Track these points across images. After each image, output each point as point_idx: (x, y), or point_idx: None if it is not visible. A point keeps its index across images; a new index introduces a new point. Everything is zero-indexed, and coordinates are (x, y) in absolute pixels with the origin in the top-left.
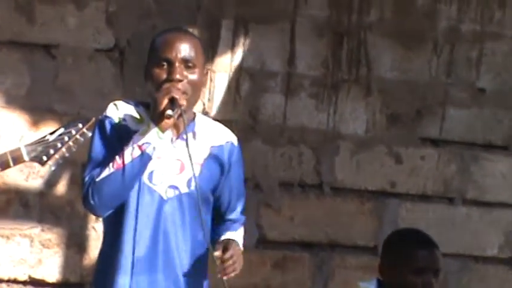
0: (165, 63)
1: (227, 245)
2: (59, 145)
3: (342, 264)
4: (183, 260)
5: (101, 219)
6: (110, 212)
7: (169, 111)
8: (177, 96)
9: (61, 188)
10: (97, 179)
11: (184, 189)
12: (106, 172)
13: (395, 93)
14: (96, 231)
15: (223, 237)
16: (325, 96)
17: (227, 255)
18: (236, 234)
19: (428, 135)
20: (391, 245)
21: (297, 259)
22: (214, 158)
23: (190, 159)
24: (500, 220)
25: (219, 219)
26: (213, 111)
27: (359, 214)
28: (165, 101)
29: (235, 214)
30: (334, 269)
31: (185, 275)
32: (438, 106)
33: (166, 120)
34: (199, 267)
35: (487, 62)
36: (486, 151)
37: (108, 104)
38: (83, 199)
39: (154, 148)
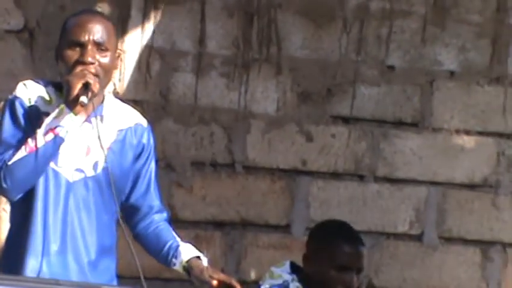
0: (77, 45)
1: (213, 274)
2: None
3: (254, 243)
4: (88, 243)
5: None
6: (22, 195)
7: (83, 99)
8: (91, 81)
9: None
10: (9, 163)
11: (90, 173)
12: (18, 155)
13: (305, 71)
14: (6, 212)
15: (183, 256)
16: (236, 75)
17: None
18: (189, 247)
19: (339, 113)
20: (317, 237)
21: (209, 238)
22: (122, 141)
23: (100, 142)
24: (411, 197)
25: (144, 211)
26: (124, 92)
27: (271, 193)
28: (79, 86)
29: (159, 203)
30: (247, 248)
31: (90, 257)
32: (348, 84)
33: (80, 107)
34: (106, 249)
35: (396, 39)
36: (396, 128)
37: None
38: None
39: (67, 131)
